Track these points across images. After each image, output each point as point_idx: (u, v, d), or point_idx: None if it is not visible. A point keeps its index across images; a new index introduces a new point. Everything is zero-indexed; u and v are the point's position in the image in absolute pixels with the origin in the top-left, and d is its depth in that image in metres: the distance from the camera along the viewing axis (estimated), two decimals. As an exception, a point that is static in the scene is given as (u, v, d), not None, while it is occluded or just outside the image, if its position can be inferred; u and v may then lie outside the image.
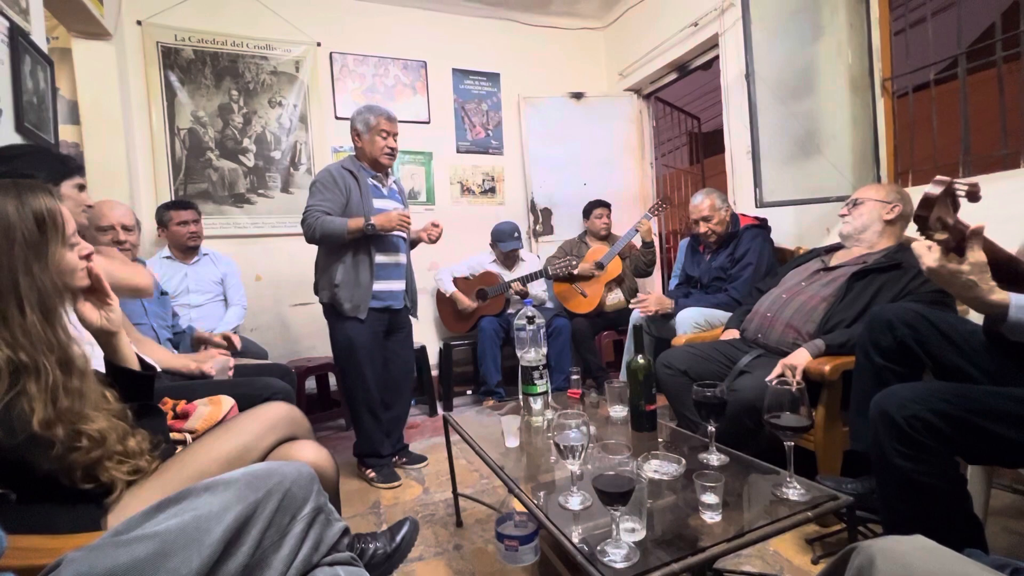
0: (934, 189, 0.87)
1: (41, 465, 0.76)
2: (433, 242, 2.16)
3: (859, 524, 1.31)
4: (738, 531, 0.88)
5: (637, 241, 3.06)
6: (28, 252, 0.78)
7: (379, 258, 2.05)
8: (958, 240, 0.89)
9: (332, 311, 2.06)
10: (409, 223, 2.01)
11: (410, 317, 2.26)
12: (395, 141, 2.10)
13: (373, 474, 2.04)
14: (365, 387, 2.06)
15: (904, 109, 2.24)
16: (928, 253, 0.92)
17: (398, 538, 1.25)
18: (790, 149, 2.22)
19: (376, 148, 2.06)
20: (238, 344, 1.97)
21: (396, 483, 2.02)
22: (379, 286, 2.06)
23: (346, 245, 1.99)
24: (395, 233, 2.03)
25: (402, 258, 2.16)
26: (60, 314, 0.83)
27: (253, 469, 0.68)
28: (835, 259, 1.84)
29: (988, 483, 1.27)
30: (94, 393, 0.85)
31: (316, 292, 2.09)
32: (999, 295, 0.91)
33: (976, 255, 0.89)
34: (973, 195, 0.92)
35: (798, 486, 0.99)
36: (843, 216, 1.82)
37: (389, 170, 2.16)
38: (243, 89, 3.08)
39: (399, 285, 2.15)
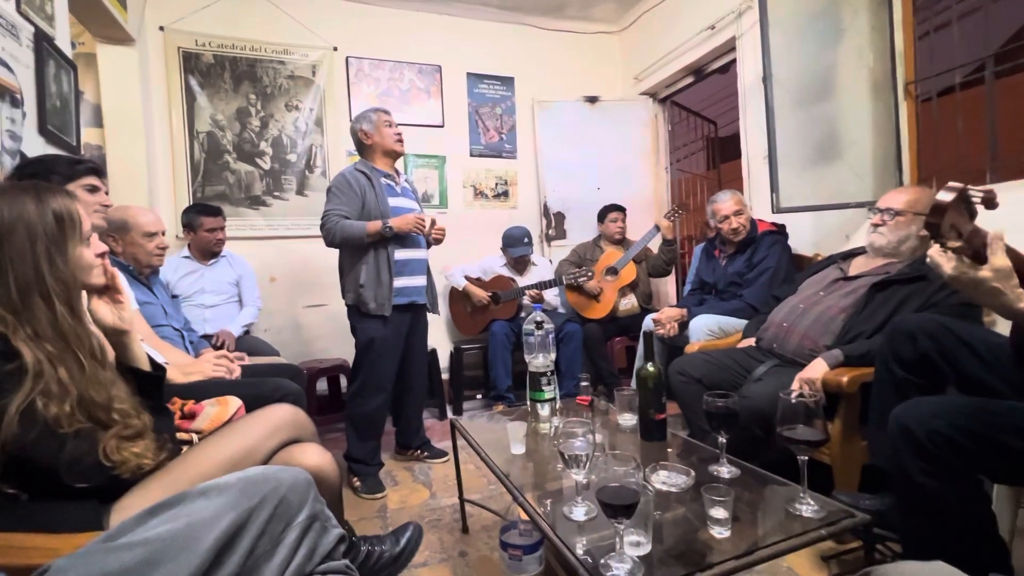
0: (946, 196, 0.84)
1: (51, 458, 0.76)
2: (438, 242, 2.16)
3: (877, 542, 1.26)
4: (749, 547, 0.85)
5: (653, 246, 3.02)
6: (51, 247, 0.80)
7: (399, 254, 2.08)
8: (976, 248, 0.85)
9: (356, 312, 2.08)
10: (424, 226, 2.04)
11: (429, 314, 2.28)
12: (398, 127, 2.19)
13: (359, 483, 2.02)
14: (377, 387, 2.06)
15: (928, 114, 2.17)
16: (946, 260, 0.88)
17: (402, 541, 1.26)
18: (808, 154, 2.17)
19: (387, 138, 2.14)
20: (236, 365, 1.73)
21: (380, 494, 1.97)
22: (401, 282, 2.09)
23: (366, 246, 2.03)
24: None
25: (421, 253, 2.19)
26: (83, 307, 0.85)
27: (249, 474, 0.67)
28: (854, 267, 1.79)
29: (1015, 503, 1.22)
30: (118, 383, 0.87)
31: (343, 295, 2.12)
32: None
33: (999, 260, 0.84)
34: (989, 202, 0.88)
35: (812, 502, 0.96)
36: (877, 226, 1.70)
37: (399, 167, 2.21)
38: (260, 93, 3.13)
39: (420, 280, 2.18)
